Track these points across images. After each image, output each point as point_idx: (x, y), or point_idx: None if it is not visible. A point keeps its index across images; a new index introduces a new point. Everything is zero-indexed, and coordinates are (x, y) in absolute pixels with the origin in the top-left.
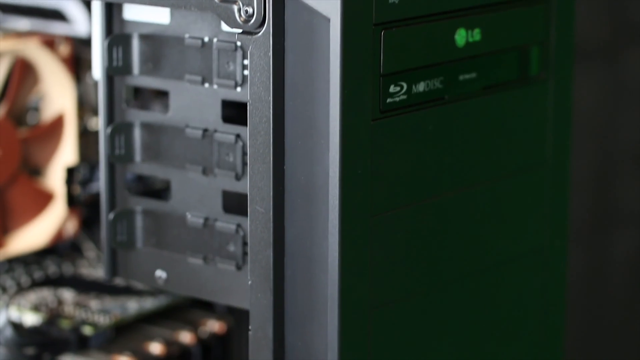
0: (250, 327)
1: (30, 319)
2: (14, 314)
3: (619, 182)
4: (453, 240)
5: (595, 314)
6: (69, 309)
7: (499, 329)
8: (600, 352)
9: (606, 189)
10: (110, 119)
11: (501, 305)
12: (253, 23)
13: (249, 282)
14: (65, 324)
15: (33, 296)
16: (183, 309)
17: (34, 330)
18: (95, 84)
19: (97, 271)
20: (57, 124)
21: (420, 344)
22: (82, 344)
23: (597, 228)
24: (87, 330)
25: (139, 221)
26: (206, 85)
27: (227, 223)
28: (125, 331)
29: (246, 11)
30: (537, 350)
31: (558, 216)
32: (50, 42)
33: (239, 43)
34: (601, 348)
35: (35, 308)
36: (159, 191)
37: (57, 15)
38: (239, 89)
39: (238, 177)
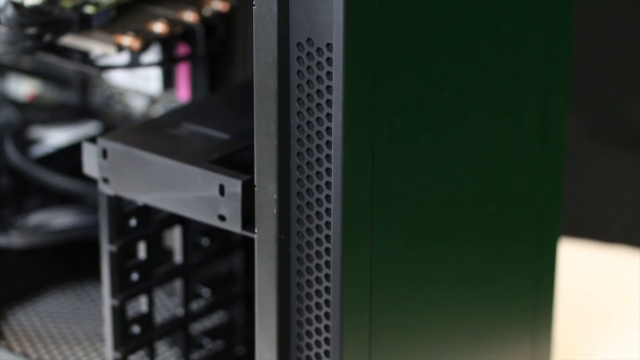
0: (254, 3)
1: None
2: None
3: None
4: None
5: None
6: None
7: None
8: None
9: None
10: None
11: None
12: None
13: None
14: (66, 3)
15: None
16: None
17: (35, 10)
18: None
19: None
20: None
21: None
22: (83, 23)
23: None
24: (89, 10)
25: None
26: None
27: None
28: (127, 10)
29: None
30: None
31: None
32: None
33: None
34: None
35: None
36: None
37: None
38: None
39: None
